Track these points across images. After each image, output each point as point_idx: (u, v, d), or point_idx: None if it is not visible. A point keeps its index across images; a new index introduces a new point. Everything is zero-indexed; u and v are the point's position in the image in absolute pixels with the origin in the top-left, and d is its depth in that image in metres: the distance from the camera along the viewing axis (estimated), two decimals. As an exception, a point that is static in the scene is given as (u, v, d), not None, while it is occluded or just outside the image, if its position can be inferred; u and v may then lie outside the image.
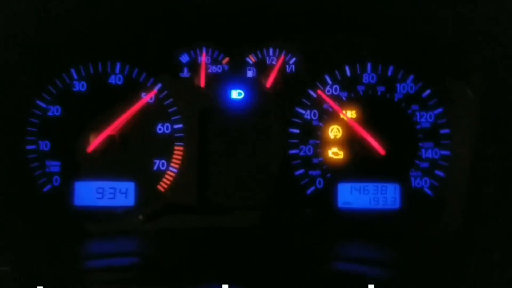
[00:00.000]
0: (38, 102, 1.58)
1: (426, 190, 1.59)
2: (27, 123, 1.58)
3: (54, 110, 1.59)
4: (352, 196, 1.59)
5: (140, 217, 1.57)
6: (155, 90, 1.59)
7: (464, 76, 1.57)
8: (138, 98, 1.59)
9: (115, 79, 1.60)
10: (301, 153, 1.60)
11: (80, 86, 1.60)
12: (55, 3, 1.39)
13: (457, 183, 1.57)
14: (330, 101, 1.58)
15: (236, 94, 1.61)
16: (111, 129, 1.56)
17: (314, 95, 1.61)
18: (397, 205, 1.58)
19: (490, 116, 1.52)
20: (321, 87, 1.61)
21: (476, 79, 1.54)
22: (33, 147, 1.58)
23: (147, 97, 1.59)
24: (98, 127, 1.56)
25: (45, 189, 1.58)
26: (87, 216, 1.58)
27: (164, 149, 1.59)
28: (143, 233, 1.57)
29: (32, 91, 1.58)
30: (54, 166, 1.58)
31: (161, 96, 1.61)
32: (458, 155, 1.57)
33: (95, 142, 1.55)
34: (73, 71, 1.59)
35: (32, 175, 1.58)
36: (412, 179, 1.59)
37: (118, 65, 1.60)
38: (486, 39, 1.41)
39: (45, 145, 1.58)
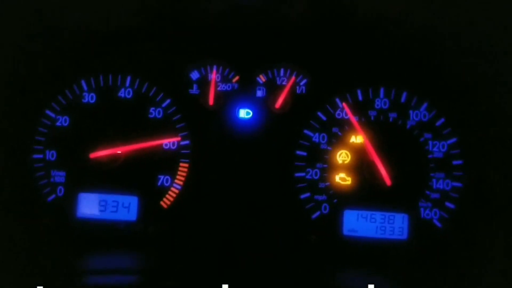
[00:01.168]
0: (48, 112, 1.59)
1: (435, 221, 1.53)
2: (36, 132, 1.59)
3: (63, 121, 1.59)
4: (358, 223, 1.55)
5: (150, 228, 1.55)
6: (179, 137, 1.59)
7: (479, 106, 1.52)
8: (148, 116, 1.59)
9: (125, 93, 1.60)
10: (308, 177, 1.57)
11: (89, 98, 1.60)
12: (68, 15, 1.41)
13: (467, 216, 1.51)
14: (352, 117, 1.54)
15: (244, 113, 1.59)
16: (119, 150, 1.55)
17: (323, 118, 1.58)
18: (404, 235, 1.53)
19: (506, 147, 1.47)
20: (339, 105, 1.58)
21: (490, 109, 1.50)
22: (39, 156, 1.59)
23: (167, 140, 1.58)
24: (104, 140, 1.55)
25: (49, 199, 1.59)
26: (88, 228, 1.57)
27: (169, 165, 1.58)
28: (144, 248, 1.55)
29: (42, 101, 1.59)
30: (59, 176, 1.59)
31: (169, 111, 1.60)
32: (470, 187, 1.52)
33: (99, 153, 1.54)
34: (83, 82, 1.60)
35: (37, 185, 1.58)
36: (422, 210, 1.54)
37: (128, 79, 1.61)
38: (504, 70, 1.37)
39: (51, 154, 1.59)
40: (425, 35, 1.44)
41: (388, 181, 1.49)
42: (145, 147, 1.56)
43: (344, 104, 1.57)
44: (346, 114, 1.57)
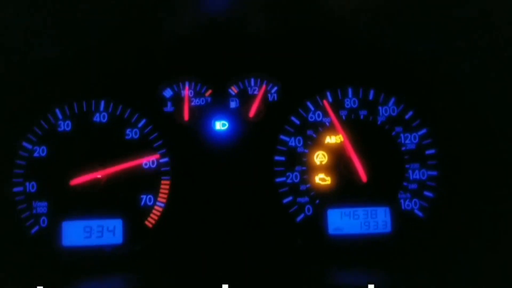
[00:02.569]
0: (24, 143, 1.59)
1: (416, 211, 1.57)
2: (14, 165, 1.58)
3: (40, 151, 1.59)
4: (342, 221, 1.57)
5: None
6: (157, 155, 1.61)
7: (447, 94, 1.58)
8: (124, 138, 1.60)
9: (100, 117, 1.62)
10: (288, 181, 1.59)
11: (65, 126, 1.61)
12: (38, 44, 1.43)
13: (446, 203, 1.55)
14: (333, 115, 1.58)
15: (220, 125, 1.62)
16: (99, 174, 1.56)
17: (297, 122, 1.62)
18: (388, 228, 1.56)
19: (478, 132, 1.52)
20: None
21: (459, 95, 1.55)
22: (20, 189, 1.58)
23: (145, 159, 1.60)
24: (84, 166, 1.56)
25: (33, 231, 1.57)
26: (75, 256, 1.56)
27: (151, 184, 1.59)
28: (132, 270, 1.54)
29: (17, 133, 1.59)
30: (41, 207, 1.57)
31: (146, 131, 1.62)
32: (445, 175, 1.56)
33: (79, 179, 1.54)
34: (57, 110, 1.61)
35: (20, 217, 1.57)
36: (402, 201, 1.57)
37: (102, 103, 1.62)
38: (469, 53, 1.43)
39: (31, 186, 1.58)
40: (386, 32, 1.50)
41: (364, 178, 1.52)
42: (125, 168, 1.57)
43: (324, 101, 1.60)
44: (318, 116, 1.62)
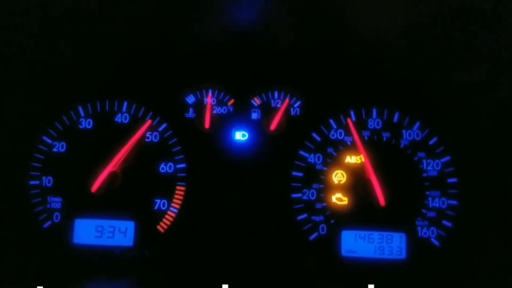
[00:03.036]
0: (44, 138, 1.60)
1: (433, 240, 1.53)
2: (32, 159, 1.59)
3: (59, 147, 1.60)
4: (356, 244, 1.54)
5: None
6: (149, 121, 1.60)
7: (473, 123, 1.54)
8: (138, 133, 1.60)
9: (121, 118, 1.62)
10: (304, 197, 1.57)
11: (86, 124, 1.62)
12: (65, 40, 1.44)
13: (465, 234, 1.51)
14: (356, 135, 1.56)
15: (240, 135, 1.61)
16: (112, 165, 1.56)
17: (318, 138, 1.60)
18: (403, 255, 1.53)
19: (501, 163, 1.49)
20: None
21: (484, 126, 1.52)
22: (36, 182, 1.59)
23: (143, 129, 1.59)
24: (101, 165, 1.56)
25: (46, 226, 1.57)
26: (84, 254, 1.55)
27: (166, 188, 1.58)
28: (140, 273, 1.54)
29: (39, 127, 1.60)
30: (55, 202, 1.58)
31: (165, 135, 1.61)
32: (466, 205, 1.53)
33: (98, 180, 1.54)
34: (80, 108, 1.62)
35: (33, 211, 1.57)
36: (419, 228, 1.54)
37: (125, 104, 1.63)
38: (497, 85, 1.40)
39: (48, 181, 1.59)
40: (415, 55, 1.48)
41: (382, 201, 1.49)
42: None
43: (348, 120, 1.58)
44: (340, 134, 1.59)
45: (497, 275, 1.39)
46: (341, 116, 1.60)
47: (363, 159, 1.56)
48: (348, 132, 1.59)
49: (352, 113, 1.60)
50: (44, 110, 1.60)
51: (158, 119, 1.62)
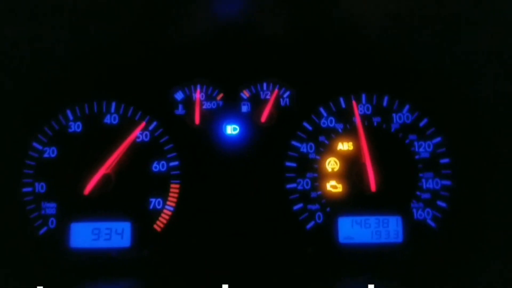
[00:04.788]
0: (34, 144, 1.59)
1: (429, 222, 1.54)
2: (24, 165, 1.58)
3: (50, 152, 1.59)
4: (353, 230, 1.55)
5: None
6: (143, 123, 1.60)
7: (463, 103, 1.55)
8: (131, 136, 1.59)
9: (110, 119, 1.61)
10: (299, 187, 1.57)
11: (75, 127, 1.60)
12: (50, 45, 1.43)
13: (460, 214, 1.52)
14: (358, 119, 1.56)
15: (231, 129, 1.61)
16: (105, 168, 1.55)
17: (310, 128, 1.60)
18: (400, 238, 1.53)
19: (493, 142, 1.49)
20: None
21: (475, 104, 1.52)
22: (29, 189, 1.57)
23: (136, 131, 1.59)
24: (94, 168, 1.55)
25: (41, 232, 1.56)
26: (83, 258, 1.55)
27: (160, 187, 1.58)
28: (139, 274, 1.53)
29: (28, 133, 1.59)
30: (50, 208, 1.57)
31: (156, 134, 1.61)
32: (459, 185, 1.53)
33: (91, 183, 1.53)
34: (68, 111, 1.60)
35: (28, 218, 1.56)
36: (414, 211, 1.55)
37: (113, 105, 1.61)
38: (484, 64, 1.40)
39: (41, 187, 1.57)
40: (401, 39, 1.48)
41: (373, 187, 1.50)
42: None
43: (354, 102, 1.58)
44: (331, 122, 1.59)
45: (494, 253, 1.40)
46: (331, 104, 1.60)
47: (355, 146, 1.56)
48: (339, 119, 1.59)
49: (341, 100, 1.60)
50: (33, 116, 1.59)
51: (147, 118, 1.61)
